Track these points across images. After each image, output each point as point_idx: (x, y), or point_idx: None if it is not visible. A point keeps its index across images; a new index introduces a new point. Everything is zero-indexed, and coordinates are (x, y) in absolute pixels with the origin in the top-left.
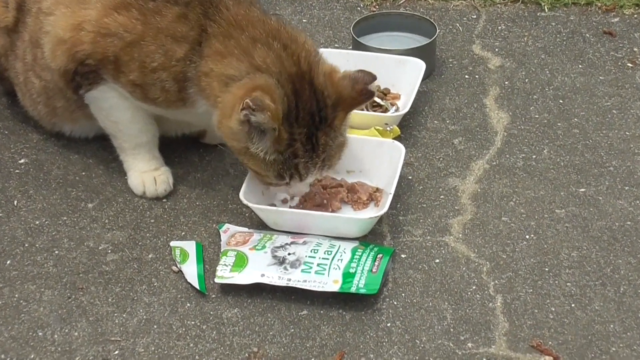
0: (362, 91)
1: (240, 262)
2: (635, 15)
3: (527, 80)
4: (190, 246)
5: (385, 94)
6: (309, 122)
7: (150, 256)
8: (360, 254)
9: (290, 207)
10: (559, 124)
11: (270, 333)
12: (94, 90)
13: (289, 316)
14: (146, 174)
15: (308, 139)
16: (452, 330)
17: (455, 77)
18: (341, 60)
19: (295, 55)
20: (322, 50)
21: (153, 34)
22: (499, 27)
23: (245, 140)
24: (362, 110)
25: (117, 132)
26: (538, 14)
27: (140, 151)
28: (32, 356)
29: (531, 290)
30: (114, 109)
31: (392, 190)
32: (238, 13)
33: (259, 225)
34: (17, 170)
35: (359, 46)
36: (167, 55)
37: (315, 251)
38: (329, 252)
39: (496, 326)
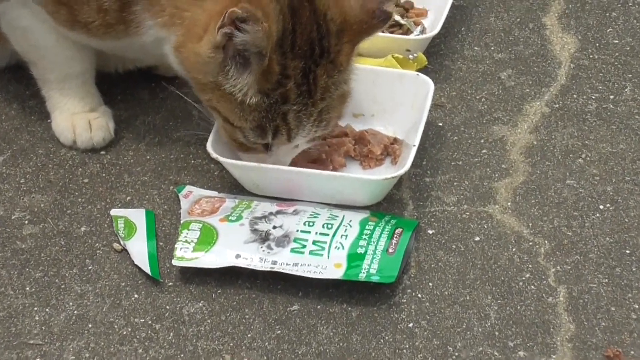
0: (375, 12)
1: (208, 237)
2: None
3: None
4: (138, 216)
5: (406, 9)
6: (307, 53)
7: (82, 229)
8: (371, 228)
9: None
10: None
11: (249, 335)
12: None
13: (274, 312)
14: (78, 116)
15: (304, 77)
16: (497, 333)
17: None
18: None
19: None
20: None
21: None
22: None
23: (217, 72)
24: None
25: (38, 59)
26: None
27: (70, 85)
28: None
29: (606, 280)
30: (32, 30)
31: (417, 142)
32: None
33: (233, 187)
34: None
35: None
36: None
37: (311, 224)
38: (329, 226)
39: (558, 329)
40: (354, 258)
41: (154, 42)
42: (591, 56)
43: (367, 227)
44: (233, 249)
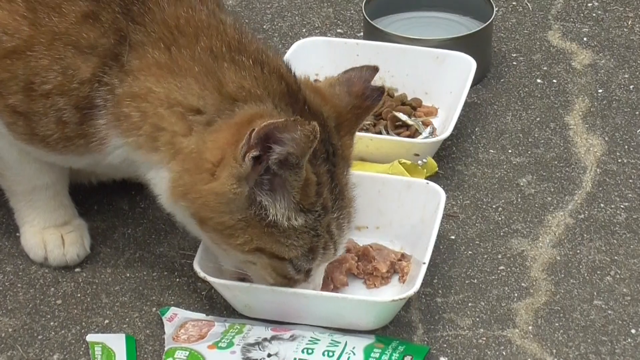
0: (364, 93)
1: None
2: None
3: (632, 86)
4: (117, 342)
5: (414, 107)
6: (325, 155)
7: (55, 357)
8: (377, 356)
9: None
10: None
11: None
12: None
13: None
14: (49, 230)
15: (332, 181)
16: None
17: (522, 82)
18: (347, 53)
19: (276, 70)
20: (315, 40)
21: (47, 41)
22: (589, 5)
23: (246, 207)
24: (380, 133)
25: (3, 170)
26: None
27: (40, 196)
28: None
29: None
30: None
31: (427, 259)
32: (178, 15)
33: (223, 309)
34: None
35: (373, 33)
36: (66, 74)
37: (310, 351)
38: (331, 353)
39: None
40: None
41: (124, 162)
42: (620, 160)
43: (372, 354)
44: None
